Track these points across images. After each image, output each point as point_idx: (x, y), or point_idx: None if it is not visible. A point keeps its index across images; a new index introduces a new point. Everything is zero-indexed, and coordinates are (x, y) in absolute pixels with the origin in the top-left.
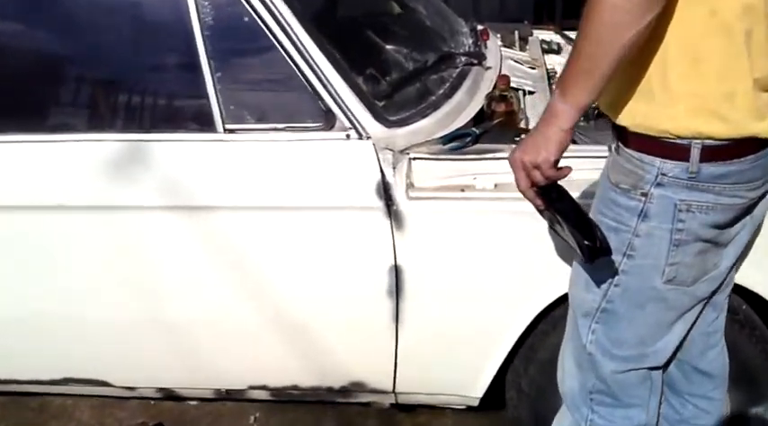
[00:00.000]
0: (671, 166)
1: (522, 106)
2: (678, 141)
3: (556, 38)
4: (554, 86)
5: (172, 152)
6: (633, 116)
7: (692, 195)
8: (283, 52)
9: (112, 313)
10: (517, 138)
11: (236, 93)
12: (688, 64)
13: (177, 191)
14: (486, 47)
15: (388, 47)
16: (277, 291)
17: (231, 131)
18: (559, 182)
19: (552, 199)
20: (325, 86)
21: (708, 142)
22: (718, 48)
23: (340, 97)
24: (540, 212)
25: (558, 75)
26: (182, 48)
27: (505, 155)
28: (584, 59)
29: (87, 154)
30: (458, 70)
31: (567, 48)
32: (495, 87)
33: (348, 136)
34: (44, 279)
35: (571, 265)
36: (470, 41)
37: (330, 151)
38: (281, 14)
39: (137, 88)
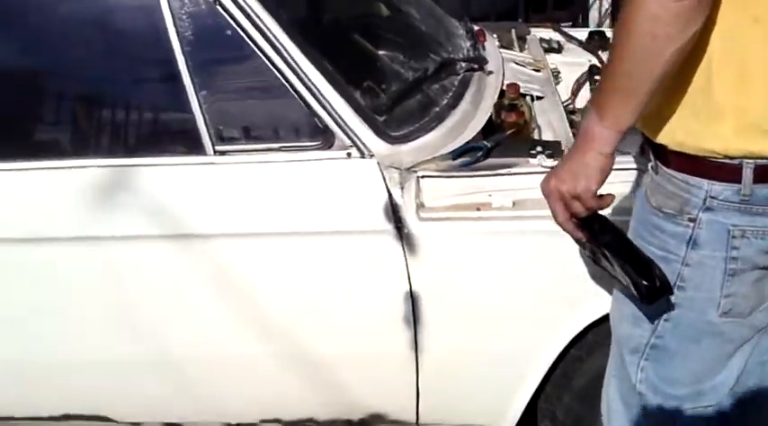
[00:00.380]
0: (720, 189)
1: (532, 114)
2: (727, 161)
3: (555, 35)
4: (587, 104)
5: (158, 177)
6: (674, 134)
7: (745, 219)
8: (271, 66)
9: (111, 347)
10: (533, 151)
11: (225, 113)
12: (734, 76)
13: (167, 220)
14: (484, 49)
15: (384, 55)
16: (285, 323)
17: (222, 153)
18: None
19: (595, 231)
20: (319, 101)
21: (761, 162)
22: (765, 58)
23: (337, 113)
24: (581, 244)
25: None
26: (163, 66)
27: (522, 169)
28: (623, 78)
29: (65, 181)
30: (459, 77)
31: (569, 47)
32: (503, 96)
33: (349, 154)
34: (34, 316)
35: (606, 287)
36: (469, 44)
37: (331, 171)
38: (265, 25)
39: (118, 110)
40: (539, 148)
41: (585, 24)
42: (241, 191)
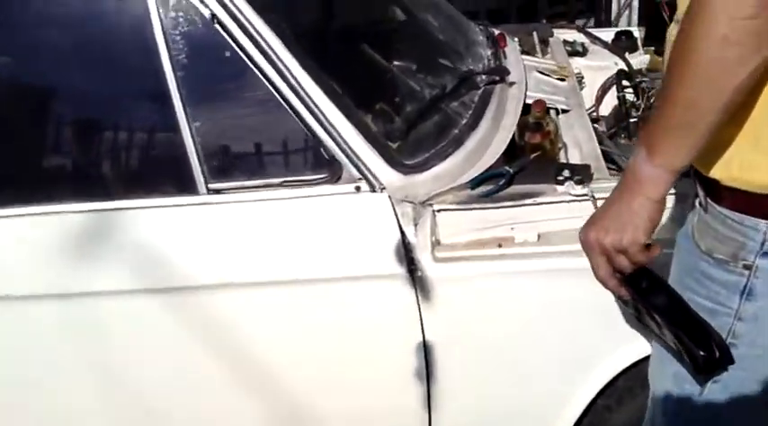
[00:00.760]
0: None
1: (559, 132)
2: None
3: (579, 37)
4: (635, 140)
5: (144, 222)
6: (729, 167)
7: None
8: (273, 89)
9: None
10: (560, 177)
11: (219, 145)
12: None
13: (155, 271)
14: (505, 56)
15: (396, 70)
16: (287, 378)
17: (216, 191)
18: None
19: (642, 289)
20: (325, 129)
21: None
22: None
23: (345, 141)
24: (624, 302)
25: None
26: (151, 91)
27: (548, 198)
28: (683, 108)
29: (37, 230)
30: (479, 92)
31: (593, 49)
32: (527, 111)
33: (358, 188)
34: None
35: (641, 334)
36: (489, 53)
37: (337, 208)
38: (266, 43)
39: (98, 143)
40: (566, 173)
41: (608, 20)
42: (237, 235)
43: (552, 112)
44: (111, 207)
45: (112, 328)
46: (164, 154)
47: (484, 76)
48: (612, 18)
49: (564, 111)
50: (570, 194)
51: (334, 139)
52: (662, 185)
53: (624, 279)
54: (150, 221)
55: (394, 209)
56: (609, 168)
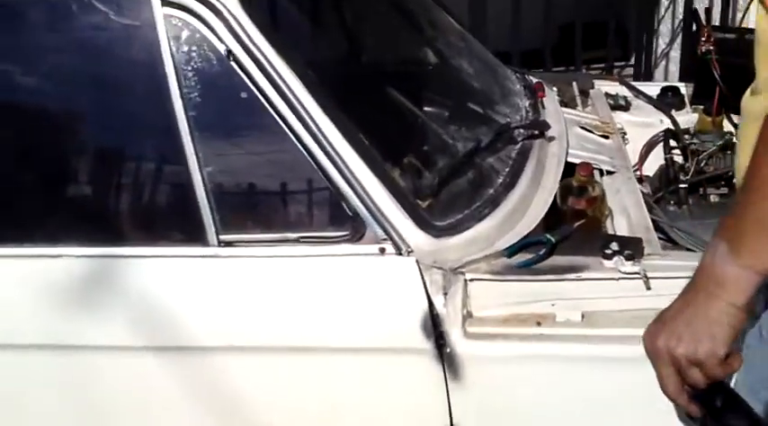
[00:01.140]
0: None
1: (605, 198)
2: None
3: (622, 89)
4: (714, 238)
5: (147, 272)
6: None
7: None
8: (292, 136)
9: None
10: (607, 250)
11: (232, 193)
12: None
13: (157, 327)
14: (543, 107)
15: (428, 119)
16: None
17: (227, 244)
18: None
19: (716, 408)
20: (348, 182)
21: None
22: None
23: (369, 196)
24: (691, 418)
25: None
26: (161, 133)
27: (594, 273)
28: None
29: (30, 274)
30: (517, 147)
31: (637, 104)
32: (569, 172)
33: (383, 250)
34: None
35: None
36: (527, 103)
37: (359, 271)
38: (286, 84)
39: (105, 186)
40: (614, 247)
41: (648, 70)
42: (248, 293)
43: (596, 173)
44: (114, 253)
45: (106, 386)
46: (172, 199)
47: (522, 130)
48: (652, 69)
49: (609, 173)
50: (619, 271)
51: (357, 194)
52: (748, 289)
53: (695, 395)
54: (154, 271)
55: (422, 276)
56: (659, 239)
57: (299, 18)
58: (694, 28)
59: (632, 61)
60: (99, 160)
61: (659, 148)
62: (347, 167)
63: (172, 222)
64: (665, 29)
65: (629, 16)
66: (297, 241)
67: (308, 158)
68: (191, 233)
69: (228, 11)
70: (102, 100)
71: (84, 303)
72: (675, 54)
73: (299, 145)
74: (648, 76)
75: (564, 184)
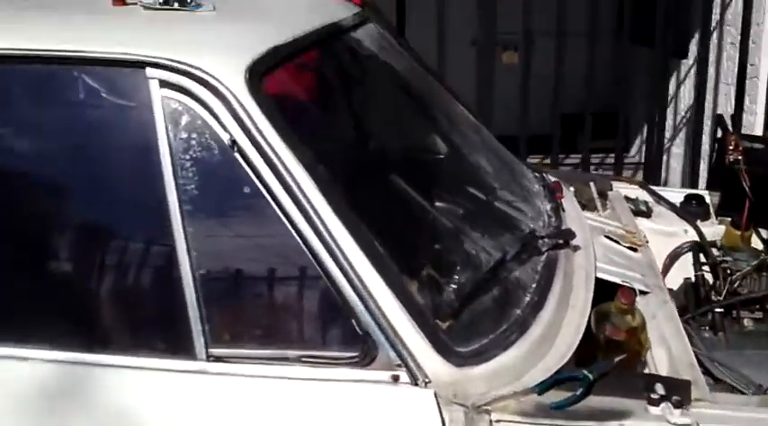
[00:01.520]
0: None
1: (645, 327)
2: None
3: (642, 194)
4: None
5: (127, 385)
6: None
7: None
8: (299, 239)
9: None
10: (653, 395)
11: (226, 301)
12: None
13: None
14: (563, 210)
15: (448, 223)
16: None
17: (217, 358)
18: None
19: None
20: (359, 295)
21: None
22: None
23: (383, 313)
24: None
25: None
26: (151, 230)
27: (639, 421)
28: None
29: (11, 375)
30: (543, 259)
31: (659, 211)
32: (603, 292)
33: (396, 378)
34: None
35: None
36: (548, 207)
37: (367, 401)
38: (294, 180)
39: (88, 288)
40: (660, 390)
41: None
42: (239, 417)
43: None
44: (87, 360)
45: None
46: (157, 303)
47: (546, 239)
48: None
49: (642, 292)
50: (668, 421)
51: (369, 309)
52: None
53: None
54: (131, 384)
55: (440, 412)
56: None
57: (311, 107)
58: (719, 133)
59: (632, 153)
60: (78, 253)
61: (683, 260)
62: (359, 278)
63: (155, 329)
64: (668, 124)
65: (631, 110)
66: (297, 360)
67: (316, 266)
68: (176, 343)
69: (234, 95)
70: (87, 189)
71: (51, 414)
72: (678, 150)
73: (306, 250)
74: (652, 173)
75: (600, 310)
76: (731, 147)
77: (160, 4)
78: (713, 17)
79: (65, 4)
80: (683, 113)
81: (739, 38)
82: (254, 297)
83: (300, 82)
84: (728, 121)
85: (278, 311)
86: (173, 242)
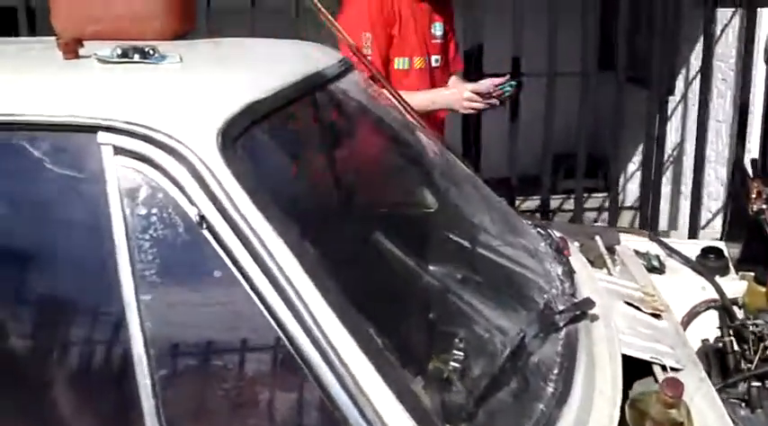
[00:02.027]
0: None
1: (692, 422)
2: None
3: (652, 246)
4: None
5: None
6: None
7: None
8: (281, 332)
9: None
10: None
11: (191, 415)
12: None
13: None
14: (574, 271)
15: (455, 303)
16: None
17: None
18: None
19: None
20: (353, 398)
21: None
22: None
23: (382, 420)
24: None
25: None
26: (103, 326)
27: None
28: None
29: None
30: (561, 336)
31: (672, 265)
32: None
33: None
34: None
35: None
36: (559, 270)
37: None
38: (275, 263)
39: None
40: None
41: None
42: None
43: (657, 370)
44: None
45: None
46: (107, 412)
47: (564, 313)
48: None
49: (673, 369)
50: None
51: (364, 416)
52: None
53: None
54: None
55: None
56: None
57: (294, 173)
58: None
59: (627, 197)
60: (23, 352)
61: (701, 320)
62: (352, 376)
63: None
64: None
65: (621, 151)
66: None
67: (302, 364)
68: None
69: (203, 163)
70: (27, 277)
71: None
72: (666, 190)
73: (289, 346)
74: (648, 216)
75: (638, 400)
76: (754, 195)
77: (118, 56)
78: (701, 53)
79: (13, 56)
80: (669, 152)
81: (731, 73)
82: (227, 407)
83: (280, 144)
84: (749, 166)
85: (256, 419)
86: (128, 340)
